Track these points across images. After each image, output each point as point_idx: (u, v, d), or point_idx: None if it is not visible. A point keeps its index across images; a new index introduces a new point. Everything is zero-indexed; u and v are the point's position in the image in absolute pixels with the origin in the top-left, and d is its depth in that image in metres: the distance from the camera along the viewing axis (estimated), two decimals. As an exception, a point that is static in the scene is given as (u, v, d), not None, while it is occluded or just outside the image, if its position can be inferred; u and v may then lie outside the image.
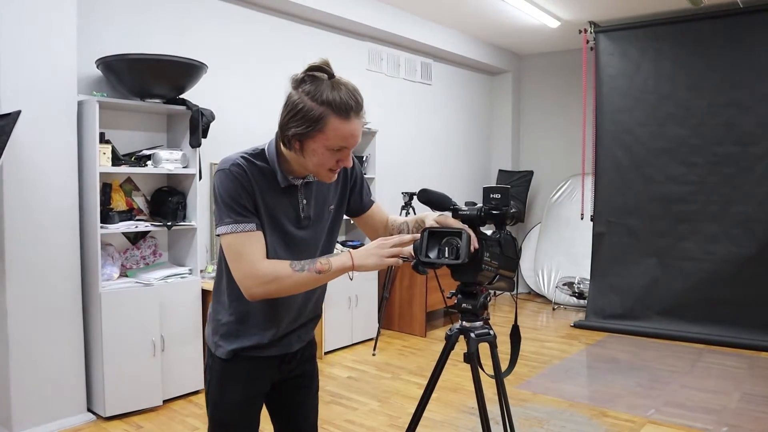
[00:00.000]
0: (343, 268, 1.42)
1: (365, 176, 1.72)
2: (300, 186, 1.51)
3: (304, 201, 1.53)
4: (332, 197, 1.61)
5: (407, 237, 1.47)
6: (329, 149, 1.39)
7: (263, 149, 1.49)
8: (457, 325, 1.73)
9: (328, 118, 1.35)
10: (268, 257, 1.45)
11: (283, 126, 1.40)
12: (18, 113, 2.83)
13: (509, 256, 1.64)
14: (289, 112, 1.37)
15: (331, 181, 1.51)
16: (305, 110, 1.35)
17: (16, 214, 3.03)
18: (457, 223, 1.53)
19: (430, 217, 1.59)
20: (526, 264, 7.00)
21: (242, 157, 1.45)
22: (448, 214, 1.59)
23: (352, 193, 1.67)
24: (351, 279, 4.68)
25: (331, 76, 1.39)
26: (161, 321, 3.50)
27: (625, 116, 5.66)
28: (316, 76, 1.38)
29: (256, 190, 1.44)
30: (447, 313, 5.91)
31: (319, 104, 1.34)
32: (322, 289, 1.67)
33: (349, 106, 1.36)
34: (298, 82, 1.39)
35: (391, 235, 1.68)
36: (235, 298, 1.54)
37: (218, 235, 1.44)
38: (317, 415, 1.78)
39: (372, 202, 1.73)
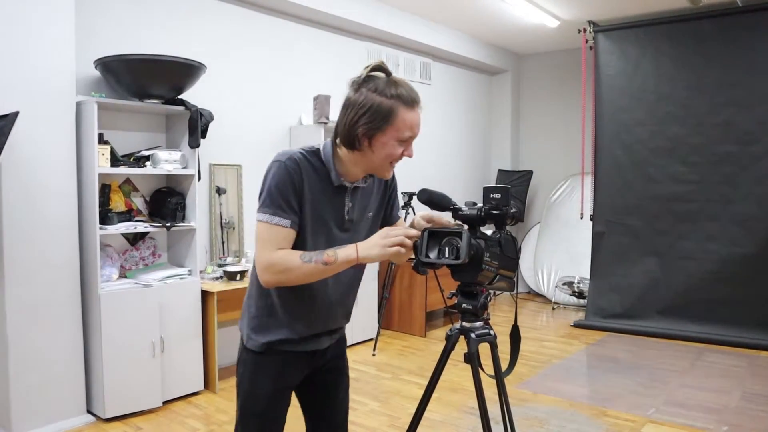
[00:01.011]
0: (348, 260, 1.45)
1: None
2: (349, 189, 1.57)
3: (350, 204, 1.58)
4: (372, 204, 1.66)
5: (413, 231, 1.49)
6: (398, 140, 1.47)
7: (318, 149, 1.55)
8: (457, 325, 1.72)
9: (398, 110, 1.44)
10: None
11: (351, 126, 1.46)
12: (16, 114, 2.82)
13: (509, 256, 1.63)
14: (358, 111, 1.45)
15: (388, 178, 1.61)
16: (375, 106, 1.44)
17: (15, 215, 3.02)
18: (445, 216, 1.55)
19: (418, 215, 1.63)
20: (525, 264, 6.99)
21: (300, 152, 1.52)
22: (448, 213, 1.59)
23: (387, 203, 1.73)
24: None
25: (389, 74, 1.49)
26: (161, 322, 3.50)
27: (625, 115, 5.66)
28: (375, 75, 1.48)
29: (306, 187, 1.49)
30: (447, 313, 5.90)
31: (389, 98, 1.44)
32: (354, 295, 1.73)
33: (413, 98, 1.47)
34: (359, 84, 1.48)
35: None
36: (264, 292, 1.59)
37: (258, 220, 1.50)
38: (347, 410, 1.82)
39: (398, 217, 1.78)
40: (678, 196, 5.39)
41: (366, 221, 1.65)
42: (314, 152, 1.54)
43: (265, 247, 1.46)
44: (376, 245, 1.44)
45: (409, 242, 1.46)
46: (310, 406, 1.77)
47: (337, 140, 1.52)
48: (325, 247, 1.51)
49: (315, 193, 1.51)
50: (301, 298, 1.57)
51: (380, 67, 1.49)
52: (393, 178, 1.71)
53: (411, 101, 1.46)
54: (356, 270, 1.66)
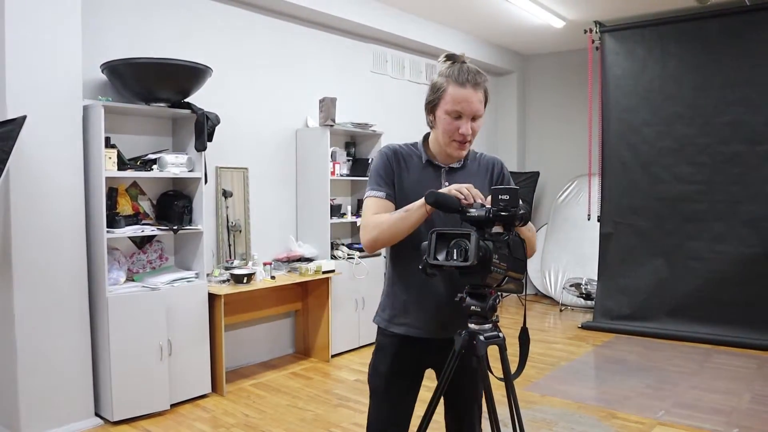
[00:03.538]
0: (420, 204, 1.61)
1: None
2: (444, 170, 1.80)
3: (446, 183, 1.75)
4: (477, 187, 1.67)
5: (469, 188, 1.59)
6: (449, 114, 1.68)
7: (418, 141, 1.85)
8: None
9: (448, 86, 1.68)
10: (410, 236, 1.67)
11: (425, 105, 1.76)
12: (24, 118, 2.84)
13: (518, 257, 1.62)
14: (429, 89, 1.74)
15: (458, 155, 1.76)
16: (434, 82, 1.72)
17: (23, 219, 3.03)
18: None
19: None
20: (532, 265, 6.97)
21: (400, 144, 1.84)
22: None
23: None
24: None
25: (462, 62, 1.71)
26: (168, 325, 3.50)
27: (632, 116, 5.63)
28: (452, 63, 1.71)
29: (402, 167, 1.78)
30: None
31: (443, 77, 1.70)
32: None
33: (466, 78, 1.67)
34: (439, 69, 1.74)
35: None
36: (390, 279, 1.83)
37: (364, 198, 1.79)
38: (472, 402, 1.88)
39: None
40: (685, 197, 5.36)
41: None
42: (413, 143, 1.84)
43: (365, 215, 1.74)
44: (441, 188, 1.66)
45: (465, 192, 1.57)
46: (451, 401, 1.88)
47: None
48: (426, 225, 1.66)
49: (411, 173, 1.77)
50: (415, 289, 1.75)
51: (453, 56, 1.73)
52: (501, 165, 1.88)
53: (462, 80, 1.66)
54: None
